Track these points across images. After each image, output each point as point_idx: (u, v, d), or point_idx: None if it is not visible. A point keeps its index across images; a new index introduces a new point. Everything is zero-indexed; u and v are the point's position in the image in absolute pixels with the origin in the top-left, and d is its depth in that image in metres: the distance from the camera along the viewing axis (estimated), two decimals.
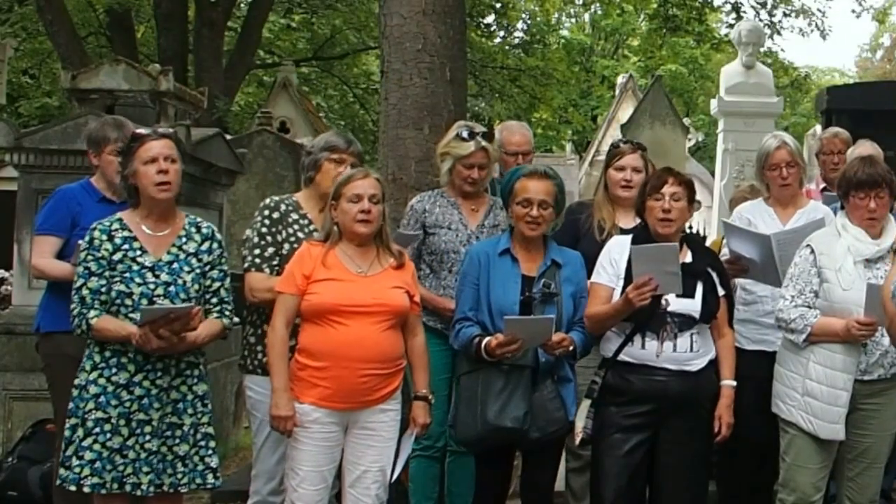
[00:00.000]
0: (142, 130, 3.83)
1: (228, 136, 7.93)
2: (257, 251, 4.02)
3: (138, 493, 3.61)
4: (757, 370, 4.24)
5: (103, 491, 3.57)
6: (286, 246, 4.00)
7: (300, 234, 4.03)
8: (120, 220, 3.72)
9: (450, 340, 4.02)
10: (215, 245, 3.82)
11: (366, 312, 3.71)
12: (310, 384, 3.71)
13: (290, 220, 4.07)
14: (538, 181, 3.96)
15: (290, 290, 3.75)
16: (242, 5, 18.93)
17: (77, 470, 3.56)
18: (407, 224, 4.51)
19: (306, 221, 4.09)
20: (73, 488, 3.58)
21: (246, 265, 4.04)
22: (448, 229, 4.47)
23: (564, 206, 4.21)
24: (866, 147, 5.26)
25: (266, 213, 4.07)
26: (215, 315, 3.77)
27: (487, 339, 3.81)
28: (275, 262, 3.98)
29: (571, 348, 3.87)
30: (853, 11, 21.64)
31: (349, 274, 3.76)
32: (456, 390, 4.04)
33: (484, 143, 4.53)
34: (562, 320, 3.89)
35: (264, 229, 4.04)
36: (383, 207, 3.83)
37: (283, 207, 4.09)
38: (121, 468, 3.58)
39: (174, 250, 3.73)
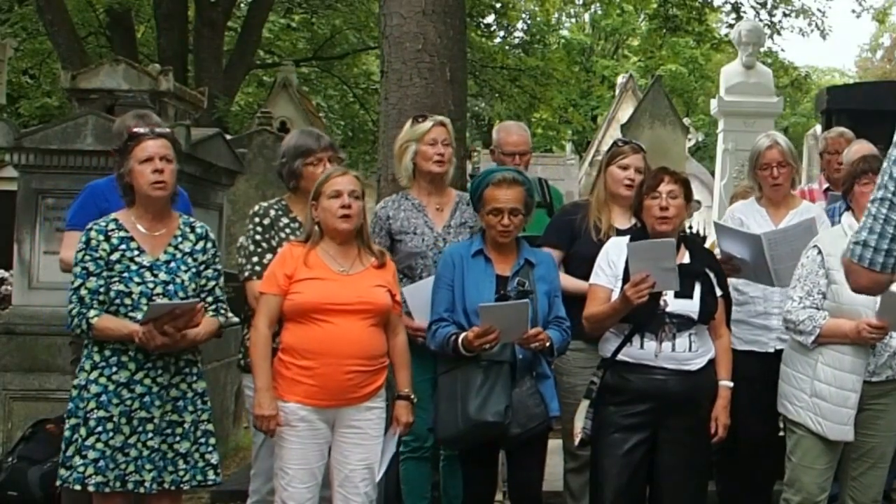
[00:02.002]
0: (139, 129, 3.84)
1: (228, 136, 7.93)
2: (255, 258, 4.04)
3: (141, 490, 3.62)
4: (749, 370, 4.24)
5: (106, 489, 3.58)
6: (279, 250, 4.00)
7: (291, 238, 4.05)
8: (115, 220, 3.73)
9: (427, 342, 4.02)
10: (209, 245, 3.84)
11: (349, 310, 3.72)
12: (295, 382, 3.72)
13: (280, 224, 4.09)
14: (507, 189, 3.96)
15: (273, 290, 3.77)
16: (242, 5, 18.92)
17: (81, 469, 3.56)
18: (372, 231, 4.40)
19: (297, 224, 4.10)
20: (77, 487, 3.59)
21: (246, 273, 4.06)
22: (413, 234, 4.40)
23: (534, 208, 4.16)
24: (863, 146, 5.25)
25: (256, 220, 4.09)
26: (211, 314, 3.79)
27: (464, 333, 3.81)
28: None
29: (548, 344, 3.87)
30: (853, 11, 21.68)
31: (331, 273, 3.77)
32: (435, 390, 4.03)
33: (441, 118, 4.53)
34: (537, 318, 3.89)
35: (258, 237, 4.06)
36: (363, 204, 3.85)
37: (272, 213, 4.11)
38: (122, 466, 3.59)
39: (171, 250, 3.75)
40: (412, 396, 3.93)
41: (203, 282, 3.79)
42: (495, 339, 3.76)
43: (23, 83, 19.99)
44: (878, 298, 3.86)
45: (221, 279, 3.88)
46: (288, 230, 4.08)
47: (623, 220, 4.34)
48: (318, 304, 3.70)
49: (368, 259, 3.86)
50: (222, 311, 3.86)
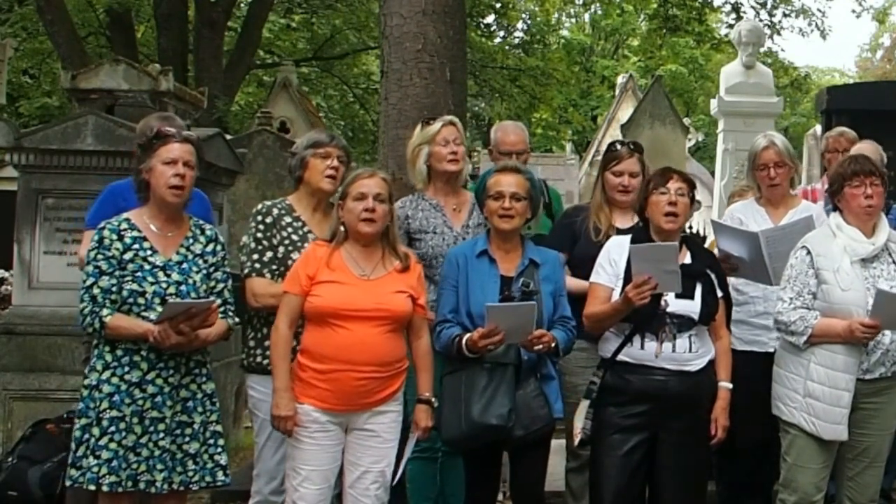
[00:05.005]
0: (168, 129, 3.85)
1: (228, 136, 7.93)
2: (255, 256, 4.04)
3: (153, 490, 3.63)
4: (749, 370, 4.23)
5: (119, 489, 3.58)
6: (281, 249, 4.03)
7: (294, 237, 4.06)
8: (128, 219, 3.74)
9: (432, 342, 4.00)
10: (219, 248, 3.86)
11: (367, 317, 3.71)
12: (310, 385, 3.72)
13: (283, 223, 4.09)
14: (509, 174, 4.00)
15: (294, 290, 3.77)
16: (242, 5, 18.94)
17: (95, 469, 3.57)
18: None
19: (300, 224, 4.11)
20: (92, 487, 3.59)
21: (246, 271, 4.06)
22: (433, 234, 4.41)
23: (540, 202, 4.18)
24: (866, 146, 5.24)
25: (259, 218, 4.10)
26: (220, 316, 3.79)
27: (469, 334, 3.80)
28: (274, 267, 4.01)
29: (553, 345, 3.85)
30: (853, 11, 21.77)
31: (352, 277, 3.77)
32: (439, 390, 4.02)
33: (450, 118, 4.58)
34: (542, 318, 3.87)
35: (259, 234, 4.06)
36: (389, 207, 3.82)
37: (275, 211, 4.11)
38: (134, 466, 3.60)
39: (182, 250, 3.76)
40: (433, 400, 3.90)
41: (212, 284, 3.80)
42: (500, 341, 3.75)
43: (23, 83, 19.99)
44: (870, 297, 3.86)
45: (230, 282, 3.89)
46: (290, 229, 4.09)
47: (623, 220, 4.34)
48: (336, 310, 3.70)
49: (392, 262, 3.84)
50: (230, 314, 3.86)
